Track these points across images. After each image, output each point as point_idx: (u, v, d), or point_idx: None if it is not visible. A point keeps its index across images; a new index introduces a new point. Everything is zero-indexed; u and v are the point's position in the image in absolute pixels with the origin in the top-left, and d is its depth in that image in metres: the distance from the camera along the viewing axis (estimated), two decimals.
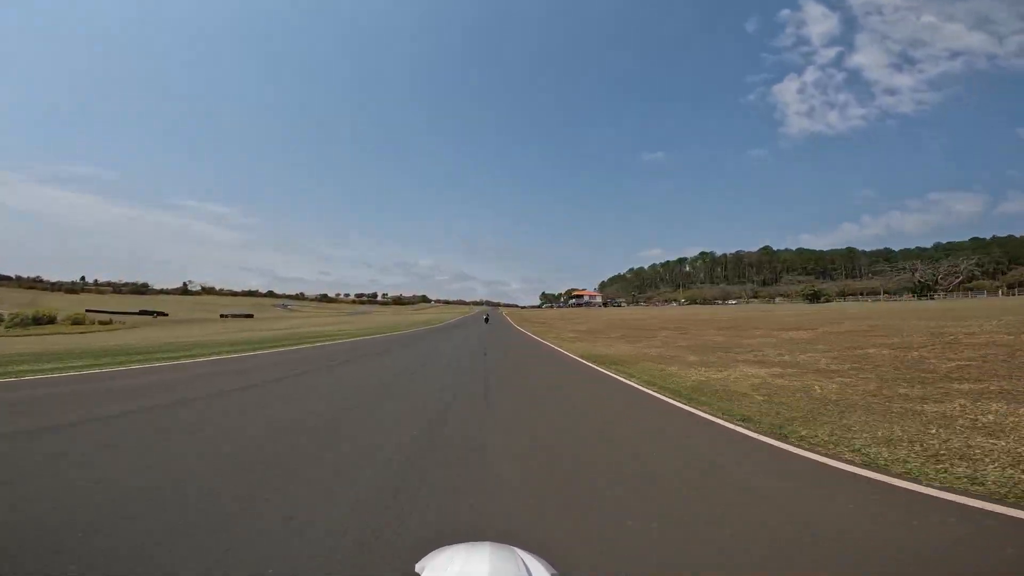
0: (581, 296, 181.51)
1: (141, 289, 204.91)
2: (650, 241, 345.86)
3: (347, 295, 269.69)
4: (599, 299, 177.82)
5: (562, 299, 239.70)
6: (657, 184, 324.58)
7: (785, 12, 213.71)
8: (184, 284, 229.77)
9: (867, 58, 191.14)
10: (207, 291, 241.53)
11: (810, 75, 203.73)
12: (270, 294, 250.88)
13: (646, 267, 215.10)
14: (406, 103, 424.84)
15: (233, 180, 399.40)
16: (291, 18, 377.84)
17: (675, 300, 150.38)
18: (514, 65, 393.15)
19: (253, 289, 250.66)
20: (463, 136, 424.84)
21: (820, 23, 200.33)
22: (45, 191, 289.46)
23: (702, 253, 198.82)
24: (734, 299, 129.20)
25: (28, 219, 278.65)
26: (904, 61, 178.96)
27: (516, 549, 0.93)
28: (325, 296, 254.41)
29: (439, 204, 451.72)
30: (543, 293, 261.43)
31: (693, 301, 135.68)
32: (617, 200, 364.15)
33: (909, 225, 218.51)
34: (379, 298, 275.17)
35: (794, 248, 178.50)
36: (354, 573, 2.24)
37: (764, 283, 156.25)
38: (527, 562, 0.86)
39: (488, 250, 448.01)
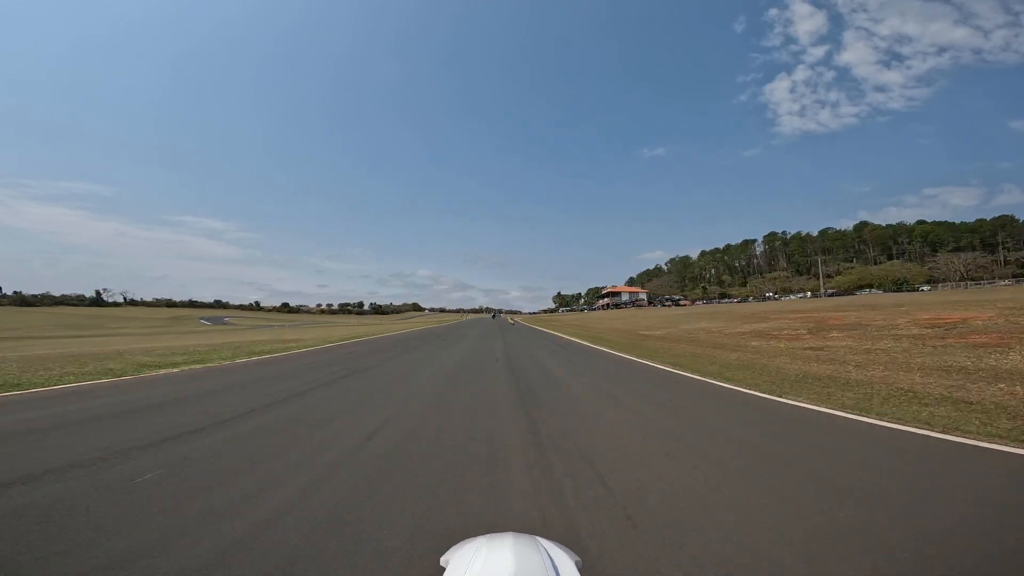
0: (617, 294, 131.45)
1: (25, 299, 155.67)
2: (651, 243, 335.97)
3: (330, 304, 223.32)
4: (642, 296, 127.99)
5: (583, 300, 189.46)
6: (654, 187, 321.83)
7: (773, 11, 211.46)
8: (97, 292, 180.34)
9: (855, 55, 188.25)
10: (135, 302, 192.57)
11: (800, 74, 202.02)
12: (217, 304, 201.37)
13: (693, 256, 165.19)
14: (401, 112, 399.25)
15: (231, 195, 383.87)
16: (286, 34, 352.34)
17: (796, 291, 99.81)
18: (507, 69, 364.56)
19: (252, 302, 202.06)
20: (460, 145, 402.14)
21: (807, 21, 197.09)
22: (41, 209, 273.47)
23: (771, 234, 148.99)
24: (926, 285, 78.32)
25: (21, 236, 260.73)
26: (892, 58, 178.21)
27: (538, 538, 0.93)
28: (286, 305, 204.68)
29: (437, 215, 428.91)
30: (559, 293, 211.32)
31: (848, 289, 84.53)
32: (615, 204, 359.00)
33: (906, 220, 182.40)
34: (365, 307, 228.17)
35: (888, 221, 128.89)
36: None
37: (889, 260, 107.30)
38: (550, 551, 0.86)
39: (487, 259, 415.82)
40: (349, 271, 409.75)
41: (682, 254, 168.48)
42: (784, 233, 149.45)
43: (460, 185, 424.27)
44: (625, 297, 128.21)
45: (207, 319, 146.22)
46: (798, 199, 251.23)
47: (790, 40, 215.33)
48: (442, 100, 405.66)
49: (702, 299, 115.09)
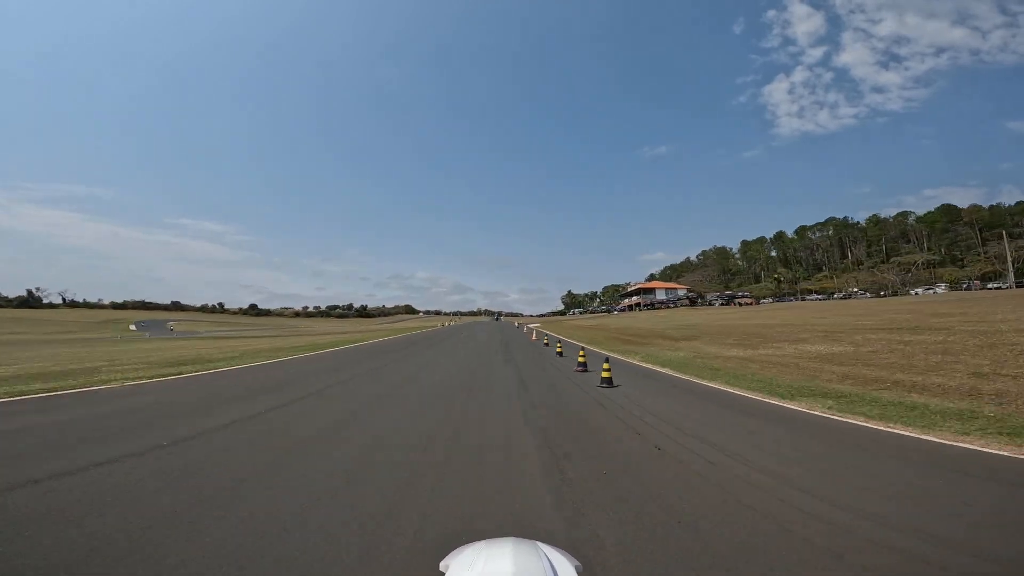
0: (650, 291, 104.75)
1: None
2: (650, 245, 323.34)
3: (318, 307, 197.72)
4: (682, 292, 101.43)
5: (598, 300, 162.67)
6: (652, 189, 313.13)
7: (771, 13, 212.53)
8: (29, 292, 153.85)
9: (853, 56, 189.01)
10: (76, 303, 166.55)
11: (799, 75, 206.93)
12: (174, 305, 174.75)
13: (733, 248, 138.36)
14: (398, 116, 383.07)
15: (230, 198, 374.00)
16: (281, 38, 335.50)
17: (921, 283, 72.96)
18: (506, 71, 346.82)
19: (242, 305, 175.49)
20: (457, 148, 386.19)
21: (805, 22, 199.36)
22: (40, 211, 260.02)
23: (830, 219, 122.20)
24: None
25: (20, 238, 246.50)
26: (890, 59, 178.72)
27: (539, 543, 0.91)
28: (254, 307, 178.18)
29: (435, 218, 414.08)
30: (568, 292, 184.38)
31: None
32: (613, 207, 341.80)
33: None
34: (359, 309, 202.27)
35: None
36: None
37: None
38: (550, 556, 0.85)
39: (485, 261, 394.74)
40: (347, 273, 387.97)
41: (682, 255, 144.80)
42: (846, 218, 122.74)
43: (458, 188, 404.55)
44: (661, 295, 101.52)
45: (144, 324, 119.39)
46: (797, 200, 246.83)
47: (788, 41, 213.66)
48: (440, 103, 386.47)
49: (773, 296, 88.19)
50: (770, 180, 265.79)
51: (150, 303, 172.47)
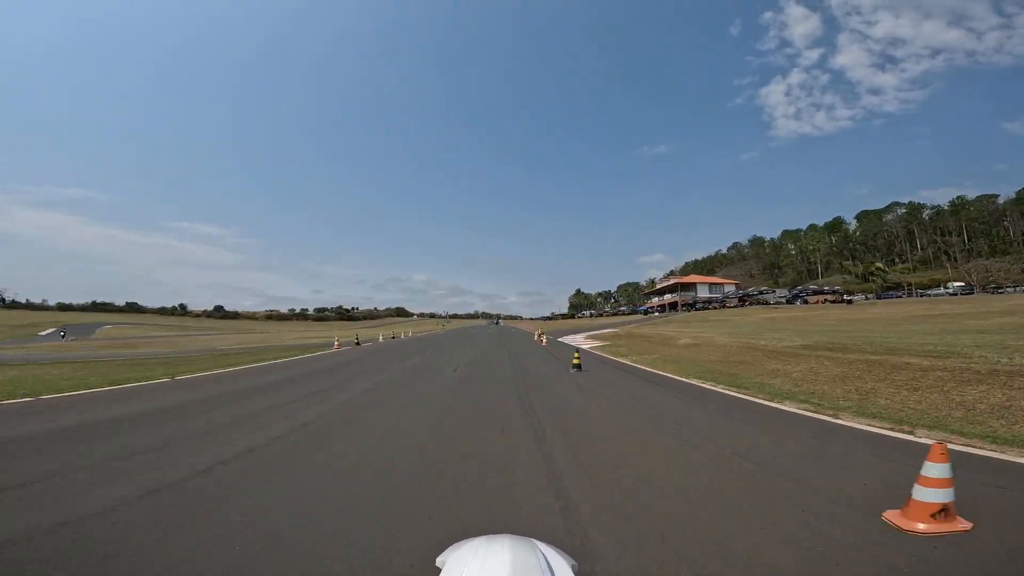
0: (690, 287, 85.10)
1: None
2: (648, 247, 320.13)
3: (304, 309, 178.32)
4: (730, 288, 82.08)
5: (614, 300, 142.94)
6: (650, 192, 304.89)
7: (768, 15, 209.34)
8: None
9: (849, 58, 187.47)
10: (18, 304, 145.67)
11: (795, 77, 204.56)
12: (130, 306, 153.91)
13: (774, 237, 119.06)
14: (395, 119, 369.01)
15: (228, 201, 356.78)
16: (280, 39, 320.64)
17: None
18: (501, 75, 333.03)
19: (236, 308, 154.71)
20: (454, 151, 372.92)
21: (801, 24, 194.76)
22: (37, 214, 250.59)
23: (894, 203, 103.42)
24: None
25: (18, 241, 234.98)
26: (886, 60, 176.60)
27: (536, 541, 0.91)
28: (220, 308, 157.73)
29: (432, 221, 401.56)
30: (578, 291, 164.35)
31: None
32: (611, 210, 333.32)
33: None
34: (336, 311, 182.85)
35: None
36: None
37: None
38: (546, 554, 0.85)
39: (483, 264, 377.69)
40: (345, 276, 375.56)
41: (681, 259, 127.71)
42: (911, 202, 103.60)
43: (457, 189, 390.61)
44: (704, 291, 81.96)
45: (65, 328, 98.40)
46: (796, 201, 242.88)
47: (785, 43, 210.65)
48: (439, 104, 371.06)
49: (867, 292, 68.52)
50: (769, 181, 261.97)
51: (102, 304, 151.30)
